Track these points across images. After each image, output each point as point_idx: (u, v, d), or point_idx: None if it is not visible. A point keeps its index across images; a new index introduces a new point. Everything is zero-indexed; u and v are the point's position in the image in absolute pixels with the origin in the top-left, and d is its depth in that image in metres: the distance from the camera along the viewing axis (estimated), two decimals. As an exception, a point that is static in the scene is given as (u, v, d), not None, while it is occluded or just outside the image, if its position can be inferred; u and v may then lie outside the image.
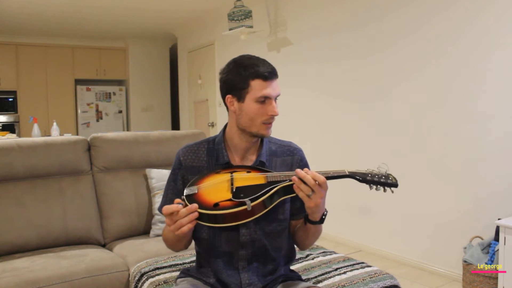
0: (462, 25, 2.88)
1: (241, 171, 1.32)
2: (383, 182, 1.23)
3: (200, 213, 1.18)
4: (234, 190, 1.23)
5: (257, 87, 1.29)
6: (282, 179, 1.24)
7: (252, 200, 1.19)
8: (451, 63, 2.96)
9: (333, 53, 3.92)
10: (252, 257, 1.38)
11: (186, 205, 1.19)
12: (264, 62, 1.32)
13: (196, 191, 1.25)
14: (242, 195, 1.21)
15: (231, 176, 1.28)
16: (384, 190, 1.25)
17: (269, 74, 1.30)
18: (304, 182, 1.19)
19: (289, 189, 1.24)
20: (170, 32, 6.97)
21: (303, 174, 1.19)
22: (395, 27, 3.34)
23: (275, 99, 1.33)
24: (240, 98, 1.32)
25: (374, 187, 1.23)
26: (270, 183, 1.24)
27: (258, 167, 1.35)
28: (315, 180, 1.19)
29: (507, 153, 2.68)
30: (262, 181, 1.25)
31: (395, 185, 1.23)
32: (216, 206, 1.20)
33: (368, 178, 1.23)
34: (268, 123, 1.33)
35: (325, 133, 4.05)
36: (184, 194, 1.25)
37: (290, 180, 1.22)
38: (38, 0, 4.99)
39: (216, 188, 1.26)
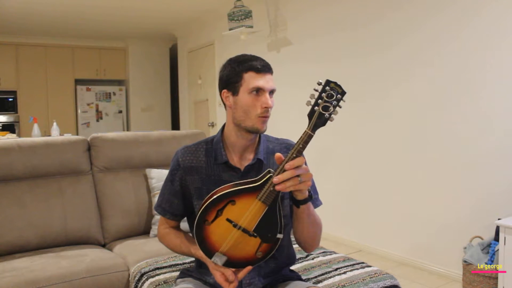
0: (462, 25, 2.88)
1: (228, 207, 1.23)
2: (334, 104, 1.16)
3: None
4: (256, 235, 1.24)
5: (250, 79, 1.31)
6: (275, 194, 1.20)
7: (279, 232, 1.24)
8: (451, 63, 2.96)
9: (333, 53, 3.92)
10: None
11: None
12: (257, 57, 1.35)
13: (226, 257, 1.26)
14: (269, 235, 1.24)
15: (240, 228, 1.23)
16: (340, 107, 1.17)
17: (262, 67, 1.31)
18: (288, 179, 1.16)
19: None
20: (170, 32, 6.97)
21: (281, 177, 1.16)
22: (395, 27, 3.34)
23: (270, 93, 1.33)
24: (235, 91, 1.34)
25: (333, 116, 1.16)
26: (272, 204, 1.22)
27: (230, 189, 1.25)
28: (295, 167, 1.16)
29: (507, 153, 2.68)
30: (262, 207, 1.22)
31: (344, 93, 1.15)
32: (258, 253, 1.25)
33: (326, 116, 1.16)
34: (262, 116, 1.31)
35: (325, 132, 4.03)
36: (220, 264, 1.27)
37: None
38: (38, 0, 4.99)
39: (239, 243, 1.25)
